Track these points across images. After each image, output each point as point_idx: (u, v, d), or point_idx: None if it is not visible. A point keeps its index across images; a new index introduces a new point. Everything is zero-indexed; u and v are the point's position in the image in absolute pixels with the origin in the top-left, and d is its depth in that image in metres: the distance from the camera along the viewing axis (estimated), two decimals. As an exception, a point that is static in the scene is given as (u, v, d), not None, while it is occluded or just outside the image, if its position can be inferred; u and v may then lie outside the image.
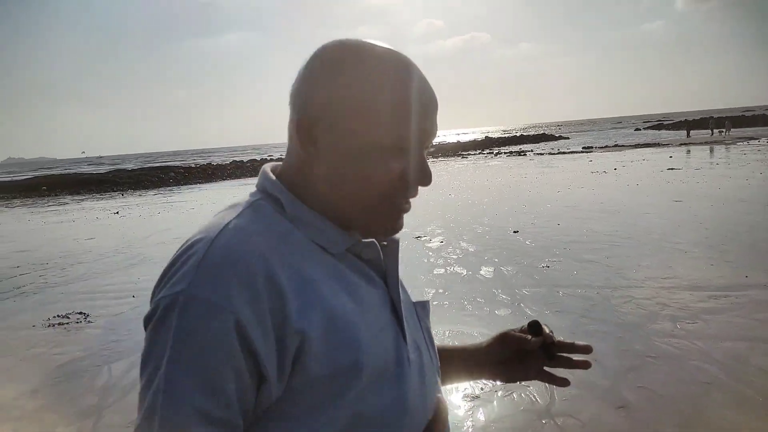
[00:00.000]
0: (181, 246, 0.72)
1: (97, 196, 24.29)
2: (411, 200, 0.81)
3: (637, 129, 63.73)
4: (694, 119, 51.91)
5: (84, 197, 23.96)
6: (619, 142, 37.91)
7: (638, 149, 30.00)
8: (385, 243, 0.85)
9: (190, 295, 0.65)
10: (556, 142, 47.04)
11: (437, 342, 0.95)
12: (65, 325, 5.65)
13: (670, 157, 22.57)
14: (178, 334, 0.64)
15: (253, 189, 0.82)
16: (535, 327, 0.98)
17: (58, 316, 5.93)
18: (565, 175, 18.06)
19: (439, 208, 12.40)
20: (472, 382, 3.53)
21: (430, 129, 0.77)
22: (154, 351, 0.65)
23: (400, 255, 0.85)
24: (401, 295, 0.84)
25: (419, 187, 0.79)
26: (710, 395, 3.40)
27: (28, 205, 21.91)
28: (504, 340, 1.00)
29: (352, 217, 0.78)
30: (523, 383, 2.98)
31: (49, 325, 5.68)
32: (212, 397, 0.64)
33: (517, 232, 9.04)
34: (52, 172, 42.22)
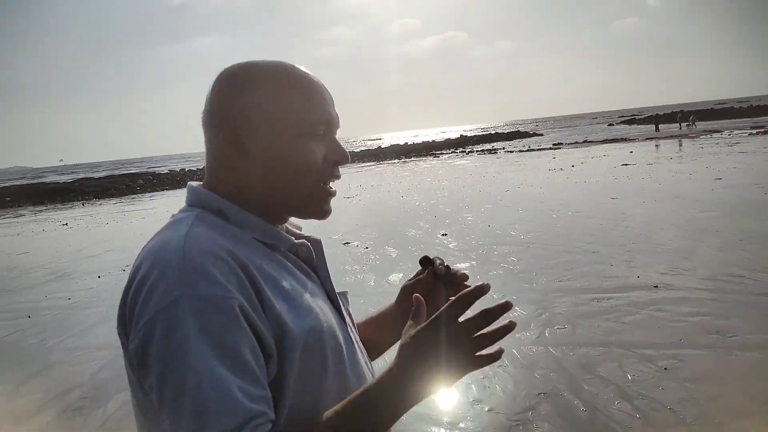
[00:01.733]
0: (137, 268, 0.74)
1: (60, 206, 23.93)
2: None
3: (610, 124, 64.22)
4: (664, 113, 52.42)
5: (44, 208, 23.60)
6: (589, 138, 38.11)
7: (605, 145, 30.18)
8: (310, 244, 0.92)
9: (191, 297, 0.68)
10: (529, 139, 47.19)
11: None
12: (-59, 350, 5.49)
13: (630, 152, 22.67)
14: (196, 333, 0.66)
15: (184, 206, 0.87)
16: (424, 261, 1.03)
17: (-60, 340, 5.75)
18: (522, 174, 18.08)
19: (384, 212, 12.33)
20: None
21: (335, 115, 0.90)
22: (172, 363, 0.66)
23: (325, 252, 0.94)
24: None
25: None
26: (538, 408, 3.32)
27: (-17, 218, 21.51)
28: (406, 291, 1.06)
29: (291, 206, 0.88)
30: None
31: (-76, 351, 5.51)
32: (248, 377, 0.68)
33: (446, 234, 9.01)
34: (20, 182, 41.50)
